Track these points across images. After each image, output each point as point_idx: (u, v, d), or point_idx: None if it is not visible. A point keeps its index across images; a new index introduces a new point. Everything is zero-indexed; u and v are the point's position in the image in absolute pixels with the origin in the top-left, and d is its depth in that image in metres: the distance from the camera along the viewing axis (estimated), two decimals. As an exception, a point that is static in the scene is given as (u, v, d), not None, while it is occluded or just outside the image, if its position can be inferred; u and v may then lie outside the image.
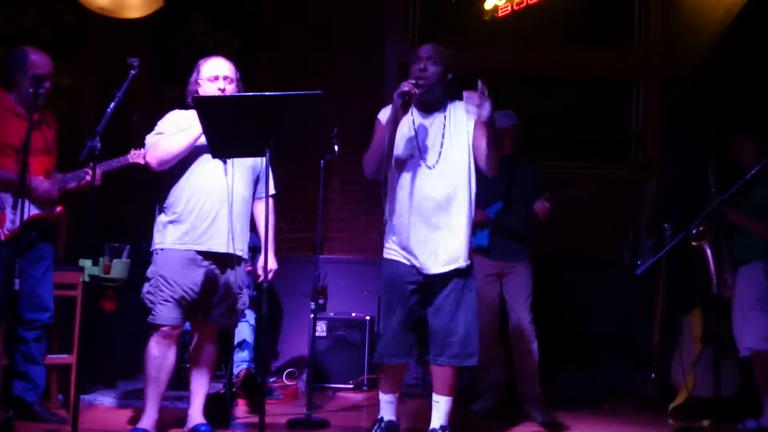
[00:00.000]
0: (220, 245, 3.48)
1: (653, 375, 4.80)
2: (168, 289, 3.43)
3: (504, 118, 4.46)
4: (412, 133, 3.41)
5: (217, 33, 6.18)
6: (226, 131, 3.15)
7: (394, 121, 3.28)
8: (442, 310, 3.38)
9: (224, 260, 3.52)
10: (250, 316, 4.87)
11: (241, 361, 4.79)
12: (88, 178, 3.79)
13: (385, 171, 3.34)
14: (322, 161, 4.16)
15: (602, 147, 6.14)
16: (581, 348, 5.37)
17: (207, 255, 3.47)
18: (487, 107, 3.25)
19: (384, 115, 3.46)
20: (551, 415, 4.22)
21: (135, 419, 3.71)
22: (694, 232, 3.84)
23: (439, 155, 3.37)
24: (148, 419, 3.47)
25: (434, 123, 3.43)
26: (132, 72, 3.29)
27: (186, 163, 3.50)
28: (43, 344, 3.89)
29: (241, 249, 3.57)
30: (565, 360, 4.93)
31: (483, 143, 3.34)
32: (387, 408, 3.55)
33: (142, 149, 3.62)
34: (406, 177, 3.40)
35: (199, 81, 3.53)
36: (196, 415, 3.60)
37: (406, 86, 3.26)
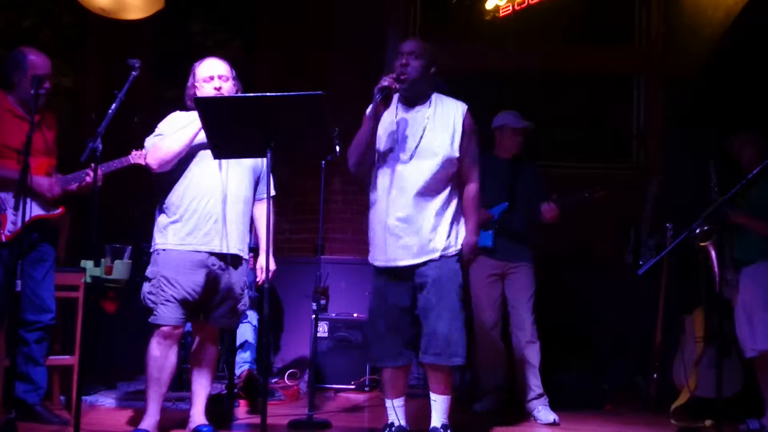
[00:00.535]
0: (221, 246, 3.48)
1: (655, 375, 4.79)
2: (170, 289, 3.43)
3: (515, 119, 4.47)
4: (394, 127, 3.43)
5: (217, 33, 6.18)
6: (227, 132, 3.15)
7: (375, 116, 3.32)
8: (426, 309, 3.38)
9: (225, 261, 3.52)
10: (252, 316, 4.87)
11: (242, 361, 4.79)
12: (89, 179, 3.78)
13: (368, 165, 3.38)
14: (323, 162, 4.17)
15: (603, 147, 6.14)
16: (583, 348, 5.37)
17: (208, 255, 3.47)
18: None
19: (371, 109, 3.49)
20: (553, 414, 4.22)
21: (136, 420, 3.71)
22: (698, 231, 3.82)
23: (416, 148, 3.37)
24: (150, 420, 3.46)
25: (417, 117, 3.45)
26: (133, 73, 3.30)
27: (186, 163, 3.50)
28: (44, 345, 3.88)
29: (241, 249, 3.57)
30: (566, 360, 4.92)
31: (468, 160, 3.46)
32: (395, 413, 3.54)
33: (143, 150, 3.62)
34: (385, 170, 3.41)
35: (195, 84, 3.54)
36: (197, 416, 3.60)
37: (386, 81, 3.29)
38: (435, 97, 3.49)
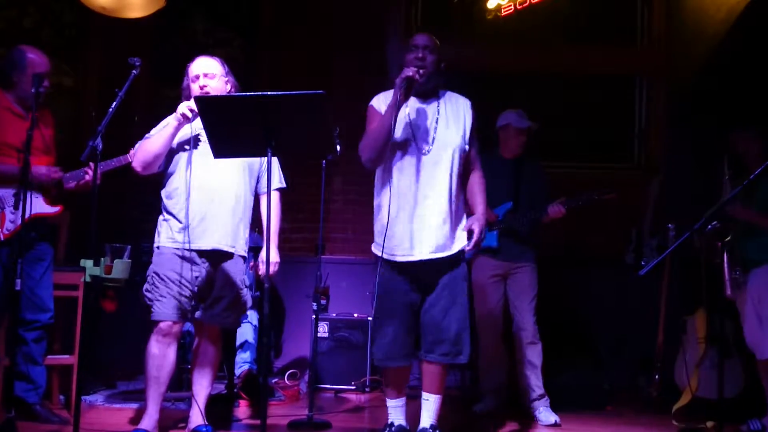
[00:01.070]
0: (210, 243, 3.48)
1: (657, 376, 4.78)
2: (163, 285, 3.44)
3: (519, 119, 4.46)
4: (408, 118, 3.41)
5: (218, 33, 6.18)
6: (228, 131, 3.14)
7: (397, 107, 3.28)
8: (434, 307, 3.36)
9: (216, 257, 3.52)
10: (252, 316, 4.86)
11: (242, 362, 4.78)
12: (87, 177, 3.79)
13: (384, 159, 3.37)
14: (323, 161, 4.15)
15: (605, 147, 6.13)
16: (584, 349, 5.36)
17: (201, 253, 3.48)
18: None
19: (378, 102, 3.47)
20: (554, 415, 4.20)
21: (136, 420, 3.70)
22: (709, 227, 3.78)
23: (433, 140, 3.38)
24: (149, 419, 3.45)
25: (429, 109, 3.45)
26: (133, 72, 3.29)
27: (177, 161, 3.52)
28: (43, 345, 3.88)
29: (232, 245, 3.55)
30: (568, 360, 4.91)
31: (471, 155, 3.46)
32: (395, 412, 3.52)
33: (139, 149, 3.62)
34: (400, 162, 3.39)
35: (189, 84, 3.55)
36: (197, 416, 3.59)
37: (410, 71, 3.27)
38: (444, 93, 3.51)
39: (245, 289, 3.66)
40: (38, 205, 3.75)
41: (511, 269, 4.44)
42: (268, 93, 3.00)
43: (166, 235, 3.50)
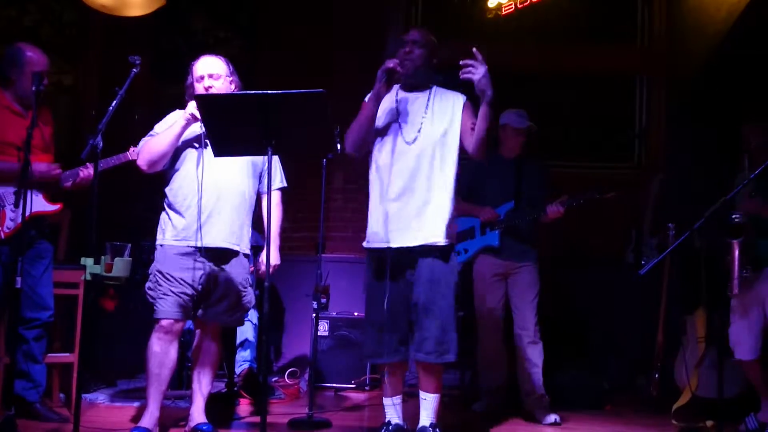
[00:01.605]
0: (216, 240, 3.48)
1: (656, 375, 4.78)
2: (166, 283, 3.44)
3: (519, 119, 4.46)
4: (393, 105, 3.47)
5: (218, 31, 6.18)
6: (228, 130, 3.14)
7: (377, 97, 3.37)
8: (419, 306, 3.36)
9: (221, 255, 3.52)
10: (253, 315, 4.86)
11: (243, 360, 4.78)
12: (82, 174, 3.79)
13: (367, 148, 3.42)
14: (323, 160, 4.15)
15: (605, 146, 6.13)
16: (584, 348, 5.36)
17: (204, 251, 3.47)
18: (482, 70, 3.24)
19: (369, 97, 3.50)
20: (554, 415, 4.20)
21: (136, 418, 3.70)
22: (734, 219, 3.72)
23: (419, 132, 3.41)
24: (150, 417, 3.45)
25: (417, 101, 3.49)
26: (134, 70, 3.29)
27: (183, 160, 3.52)
28: (43, 343, 3.88)
29: (237, 243, 3.56)
30: (567, 360, 4.91)
31: (471, 124, 3.39)
32: (392, 411, 3.53)
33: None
34: (385, 151, 3.43)
35: (193, 83, 3.55)
36: (197, 414, 3.59)
37: (390, 63, 3.35)
38: (435, 88, 3.53)
39: (249, 287, 3.66)
40: (38, 204, 3.75)
41: (512, 269, 4.44)
42: (269, 92, 3.00)
43: (171, 233, 3.49)
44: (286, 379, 5.10)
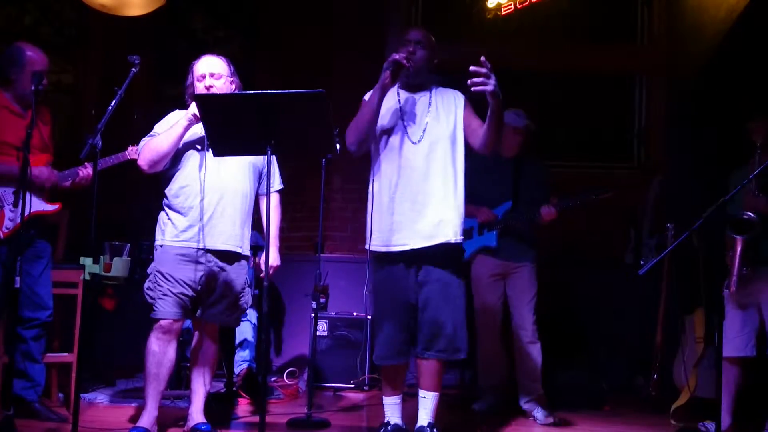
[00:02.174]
0: (219, 243, 3.48)
1: (655, 375, 4.78)
2: (166, 284, 3.44)
3: (517, 118, 4.46)
4: (397, 106, 3.44)
5: (217, 31, 6.18)
6: (228, 129, 3.14)
7: (383, 89, 3.30)
8: (429, 303, 3.35)
9: (223, 257, 3.52)
10: (252, 314, 4.86)
11: (242, 360, 4.78)
12: (81, 174, 3.79)
13: (367, 146, 3.39)
14: (323, 160, 4.15)
15: (605, 146, 6.13)
16: (583, 348, 5.36)
17: (204, 252, 3.47)
18: (492, 81, 3.20)
19: (369, 95, 3.48)
20: (553, 415, 4.21)
21: (135, 418, 3.70)
22: (745, 217, 3.69)
23: (424, 131, 3.39)
24: (148, 417, 3.46)
25: (419, 101, 3.47)
26: (133, 70, 3.29)
27: (185, 160, 3.51)
28: (42, 343, 3.88)
29: (239, 245, 3.56)
30: (566, 360, 4.91)
31: (473, 121, 3.38)
32: (391, 410, 3.52)
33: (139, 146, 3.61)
34: (390, 152, 3.41)
35: (194, 83, 3.55)
36: (196, 414, 3.59)
37: (397, 56, 3.30)
38: (435, 88, 3.52)
39: (247, 288, 3.66)
40: (37, 203, 3.75)
41: (510, 269, 4.44)
42: (268, 91, 3.00)
43: (171, 234, 3.48)
44: (285, 379, 5.10)
